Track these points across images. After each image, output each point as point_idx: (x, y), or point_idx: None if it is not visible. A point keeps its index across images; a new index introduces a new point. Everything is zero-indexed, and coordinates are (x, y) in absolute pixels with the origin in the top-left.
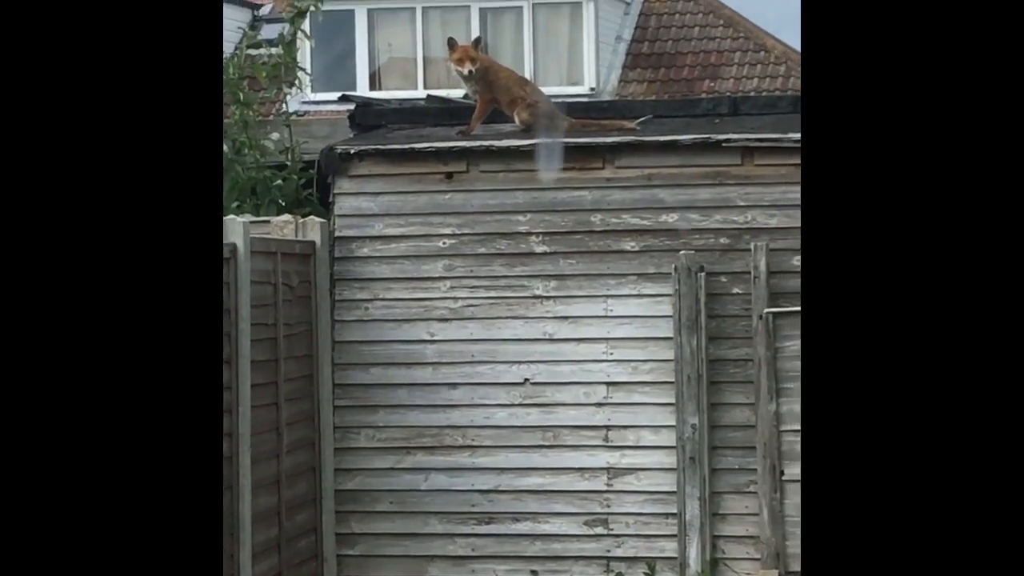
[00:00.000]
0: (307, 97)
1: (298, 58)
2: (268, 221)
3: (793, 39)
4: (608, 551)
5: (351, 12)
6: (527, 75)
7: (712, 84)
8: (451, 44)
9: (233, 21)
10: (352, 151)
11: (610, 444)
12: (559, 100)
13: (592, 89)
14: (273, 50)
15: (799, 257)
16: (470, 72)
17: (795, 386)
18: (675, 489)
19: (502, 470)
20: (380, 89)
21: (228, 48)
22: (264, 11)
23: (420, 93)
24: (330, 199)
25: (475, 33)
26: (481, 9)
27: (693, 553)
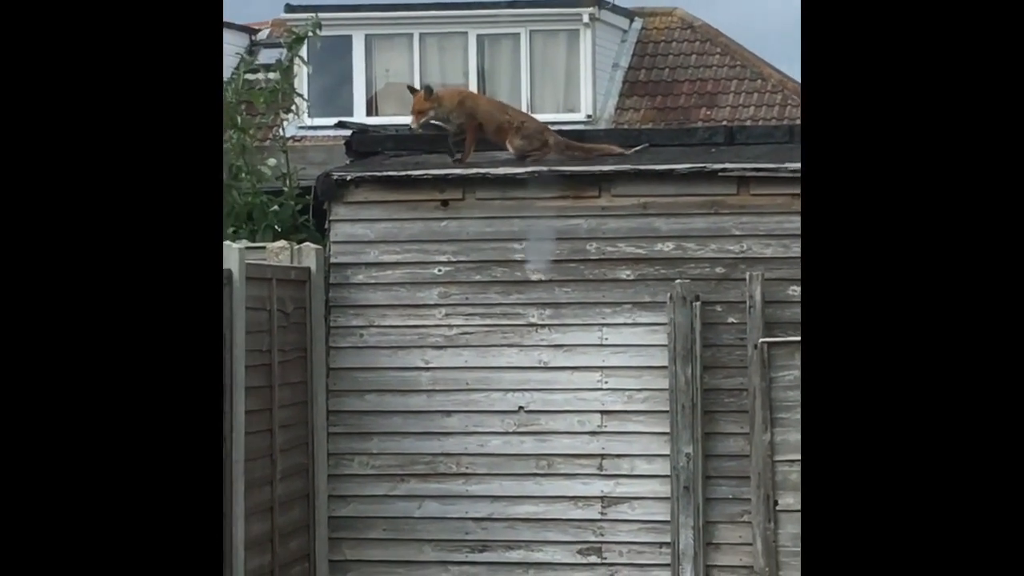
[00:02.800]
0: (304, 123)
1: (295, 83)
2: (264, 247)
3: (790, 68)
4: None
5: (348, 38)
6: (523, 102)
7: (708, 112)
8: (412, 91)
9: (231, 46)
10: (348, 177)
11: (604, 473)
12: (555, 127)
13: (589, 116)
14: (271, 75)
15: (795, 287)
16: (419, 126)
17: (789, 416)
18: (669, 518)
19: (496, 498)
20: (377, 115)
21: (225, 73)
22: (261, 36)
23: None
24: (326, 225)
25: (472, 60)
26: (479, 36)
27: None
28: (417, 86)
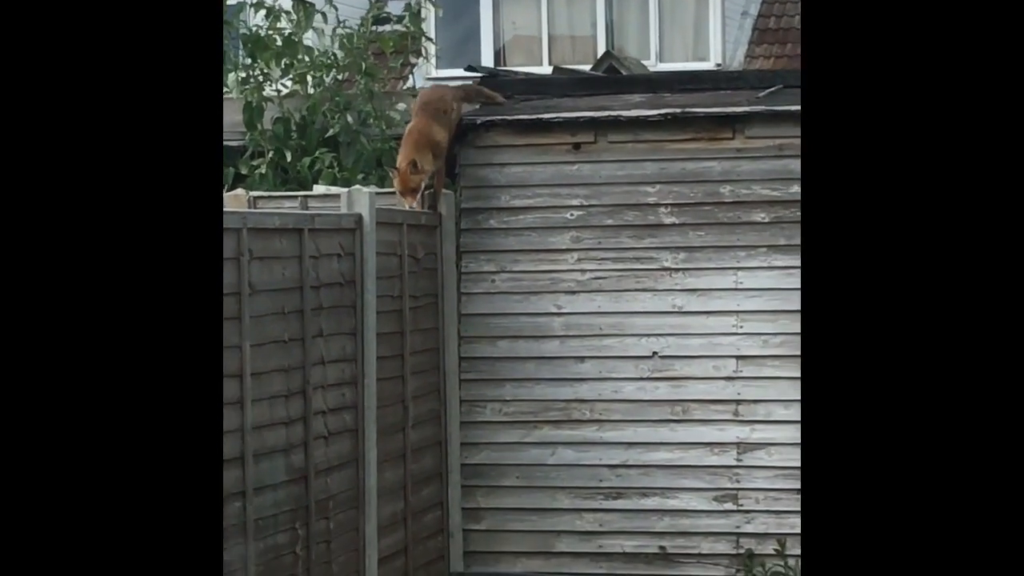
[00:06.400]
0: (431, 74)
1: (424, 28)
2: (394, 192)
3: None
4: (738, 527)
5: None
6: (652, 52)
7: None
8: (396, 171)
9: None
10: (478, 122)
11: (740, 418)
12: (687, 72)
13: (718, 64)
14: (398, 26)
15: None
16: (411, 208)
17: None
18: None
19: (630, 444)
20: (505, 67)
21: (353, 21)
22: None
23: (545, 70)
24: (456, 170)
25: (600, 12)
26: None
27: None
28: (544, 37)
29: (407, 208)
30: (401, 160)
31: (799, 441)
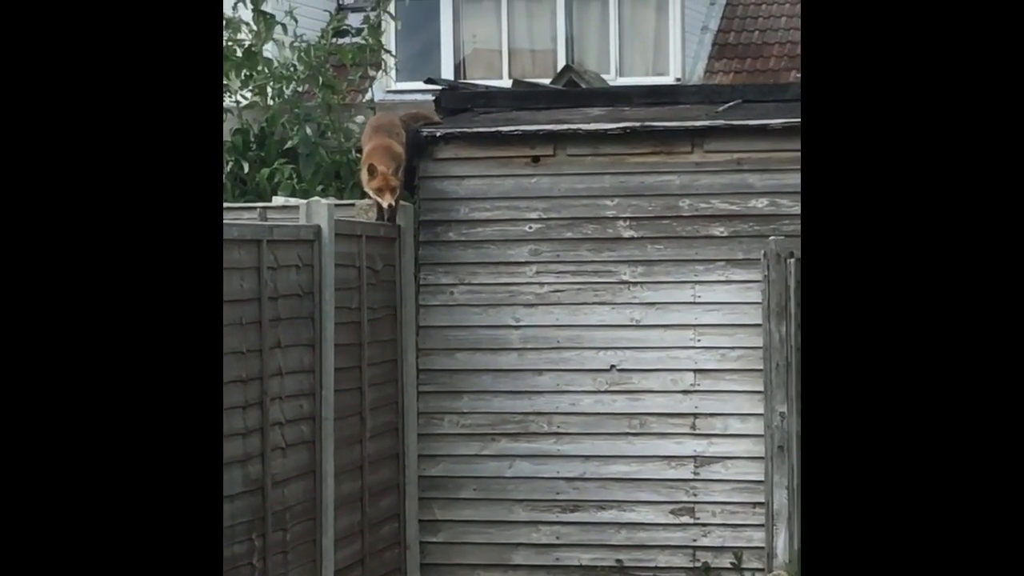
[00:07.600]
0: (391, 87)
1: (383, 41)
2: (352, 204)
3: None
4: (694, 540)
5: (436, 3)
6: (612, 66)
7: (799, 74)
8: (371, 171)
9: (316, 8)
10: (438, 134)
11: (697, 432)
12: (646, 86)
13: (678, 79)
14: (355, 39)
15: None
16: (390, 206)
17: None
18: (763, 478)
19: (587, 457)
20: (465, 80)
21: (312, 34)
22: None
23: (505, 83)
24: (415, 183)
25: (561, 25)
26: (567, 0)
27: (781, 543)
28: (505, 50)
29: (384, 205)
30: (378, 164)
31: (755, 455)
